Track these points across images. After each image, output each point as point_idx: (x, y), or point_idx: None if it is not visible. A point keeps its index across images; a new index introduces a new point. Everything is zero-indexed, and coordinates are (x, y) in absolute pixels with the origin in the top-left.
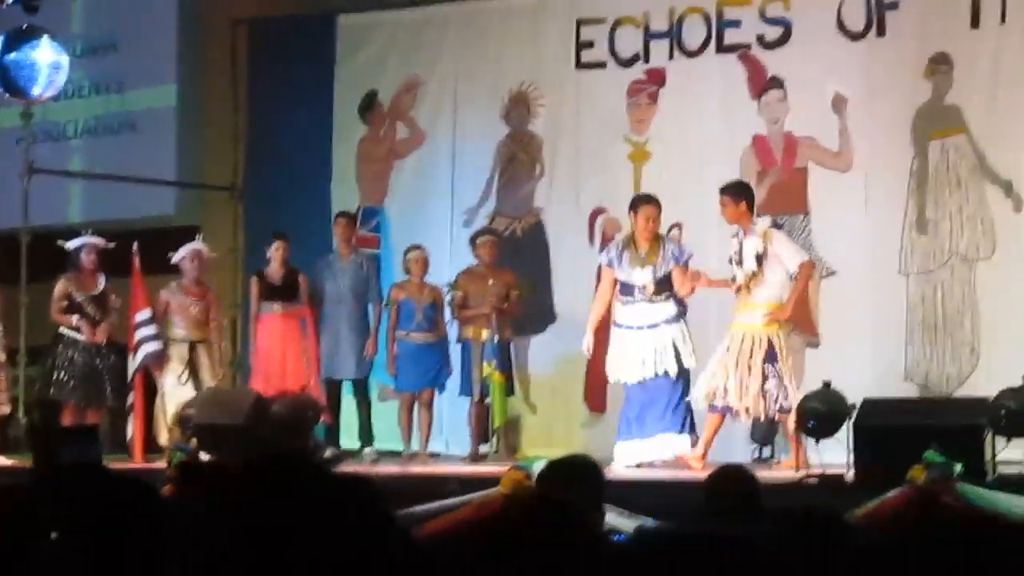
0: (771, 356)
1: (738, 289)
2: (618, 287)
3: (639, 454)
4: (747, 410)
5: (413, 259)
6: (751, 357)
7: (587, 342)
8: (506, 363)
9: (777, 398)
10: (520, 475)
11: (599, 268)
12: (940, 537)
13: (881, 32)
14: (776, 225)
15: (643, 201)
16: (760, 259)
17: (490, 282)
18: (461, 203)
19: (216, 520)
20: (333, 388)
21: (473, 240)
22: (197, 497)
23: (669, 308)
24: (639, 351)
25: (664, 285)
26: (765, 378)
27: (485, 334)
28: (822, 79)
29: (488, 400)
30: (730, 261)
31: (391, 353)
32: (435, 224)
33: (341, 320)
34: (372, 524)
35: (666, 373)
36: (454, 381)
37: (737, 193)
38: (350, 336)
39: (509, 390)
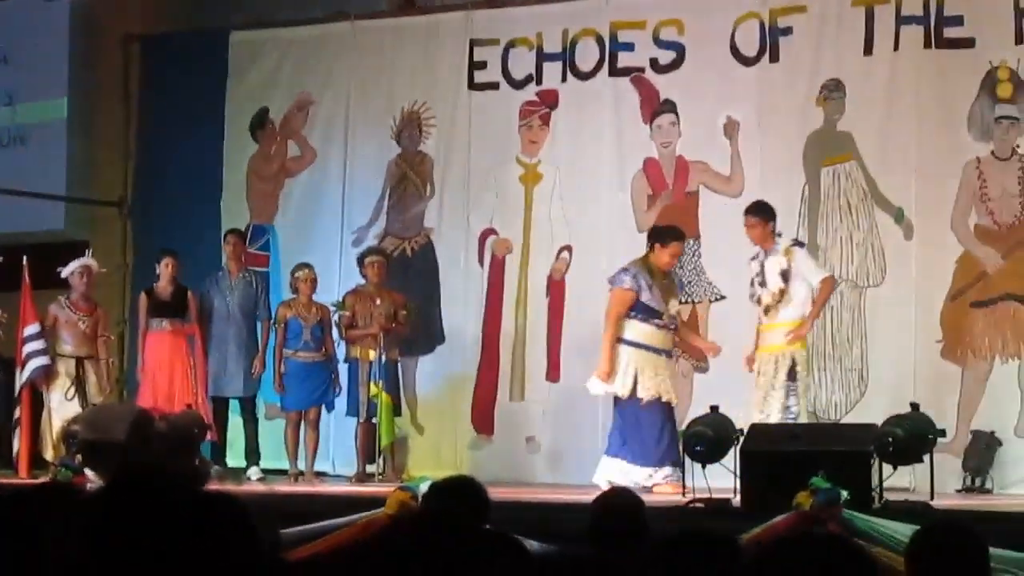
0: (792, 373)
1: (766, 310)
2: (639, 311)
3: (626, 475)
4: None
5: (301, 278)
6: (775, 376)
7: (607, 364)
8: (393, 384)
9: (797, 416)
10: (406, 496)
11: (614, 290)
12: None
13: (774, 58)
14: (798, 243)
15: (674, 237)
16: (785, 276)
17: (378, 302)
18: (351, 222)
19: (73, 539)
20: (220, 406)
21: (361, 260)
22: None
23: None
24: (669, 376)
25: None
26: (788, 395)
27: (372, 354)
28: (714, 104)
29: (375, 420)
30: (752, 283)
31: (278, 371)
32: (324, 243)
33: (229, 338)
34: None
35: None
36: (342, 400)
37: (764, 214)
38: (238, 354)
39: (396, 411)
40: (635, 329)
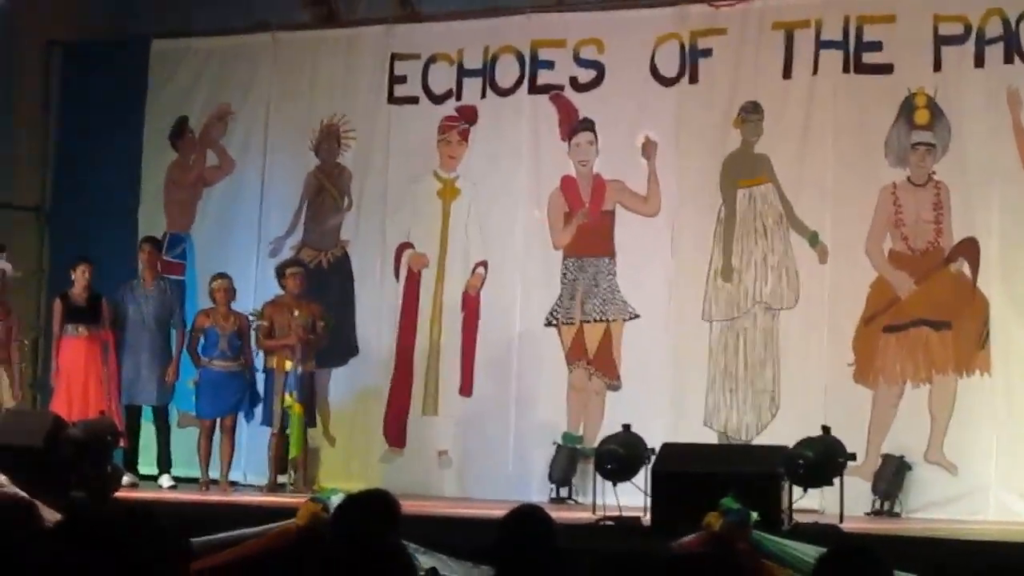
0: None
1: None
2: None
3: None
4: None
5: (218, 287)
6: None
7: None
8: (307, 394)
9: None
10: (317, 507)
11: None
12: None
13: (693, 79)
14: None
15: None
16: None
17: (296, 313)
18: (268, 233)
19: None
20: (133, 413)
21: (281, 271)
22: None
23: None
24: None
25: None
26: None
27: (288, 364)
28: (633, 123)
29: (287, 430)
30: None
31: (192, 380)
32: (241, 253)
33: (143, 346)
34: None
35: None
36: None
37: None
38: (151, 362)
39: (310, 422)
40: None
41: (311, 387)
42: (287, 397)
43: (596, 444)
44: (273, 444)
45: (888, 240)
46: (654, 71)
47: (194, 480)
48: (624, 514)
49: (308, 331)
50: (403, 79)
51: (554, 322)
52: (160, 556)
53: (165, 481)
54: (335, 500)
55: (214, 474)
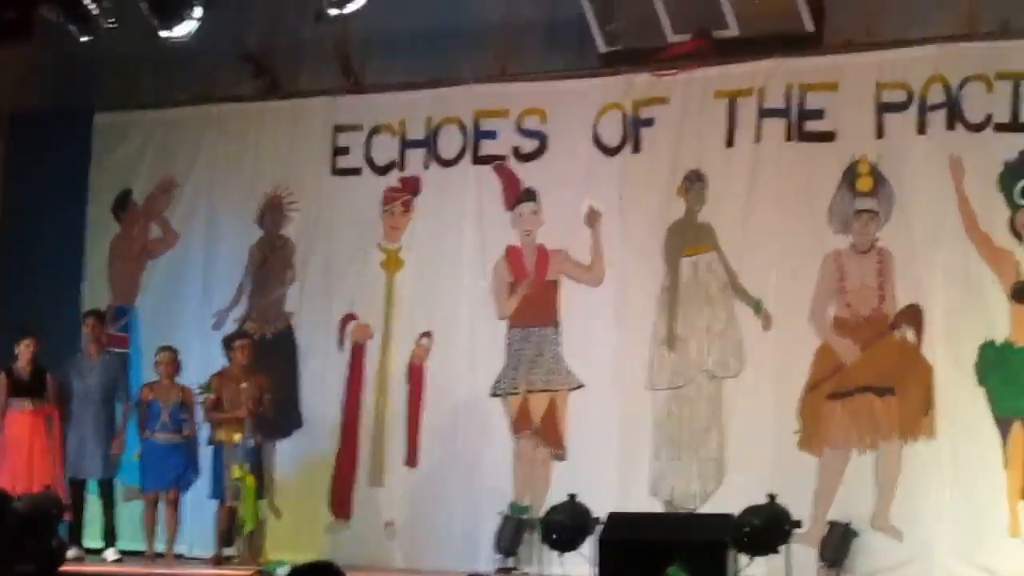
0: None
1: None
2: None
3: None
4: None
5: (162, 360)
6: None
7: None
8: (258, 466)
9: None
10: None
11: None
12: None
13: (636, 148)
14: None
15: None
16: None
17: (244, 385)
18: (212, 305)
19: None
20: (78, 487)
21: (228, 343)
22: None
23: None
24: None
25: None
26: None
27: (237, 437)
28: (576, 193)
29: (237, 503)
30: None
31: (136, 452)
32: (186, 325)
33: (88, 419)
34: None
35: None
36: (202, 482)
37: None
38: (96, 435)
39: (259, 493)
40: None
41: (260, 459)
42: (237, 469)
43: (542, 514)
44: (221, 516)
45: (832, 307)
46: (597, 140)
47: (140, 553)
48: None
49: (256, 403)
50: (346, 150)
51: (499, 392)
52: None
53: (111, 555)
54: (281, 572)
55: (160, 547)
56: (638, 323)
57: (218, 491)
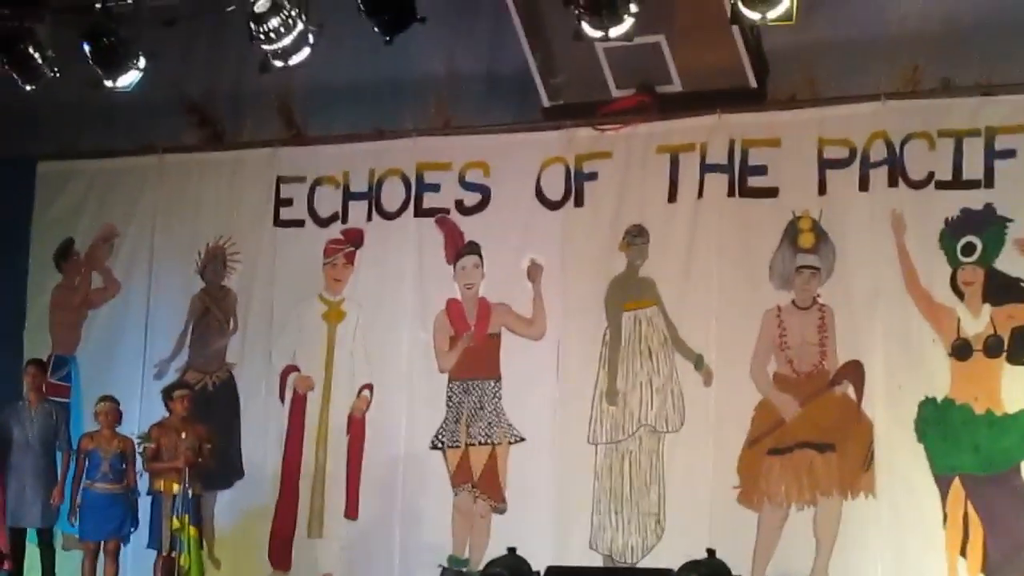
0: None
1: None
2: None
3: None
4: None
5: (102, 410)
6: None
7: None
8: (198, 517)
9: None
10: None
11: None
12: None
13: (579, 202)
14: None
15: None
16: None
17: (183, 435)
18: (153, 355)
19: None
20: (17, 536)
21: (168, 393)
22: None
23: None
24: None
25: None
26: None
27: (176, 487)
28: (518, 246)
29: (174, 554)
30: None
31: (74, 503)
32: (126, 375)
33: (28, 468)
34: None
35: None
36: (141, 533)
37: None
38: (36, 484)
39: (200, 544)
40: None
41: (199, 510)
42: (176, 520)
43: (481, 567)
44: (160, 567)
45: (773, 363)
46: (540, 194)
47: None
48: None
49: (195, 454)
50: (289, 202)
51: (439, 445)
52: None
53: None
54: None
55: None
56: (579, 377)
57: (156, 542)
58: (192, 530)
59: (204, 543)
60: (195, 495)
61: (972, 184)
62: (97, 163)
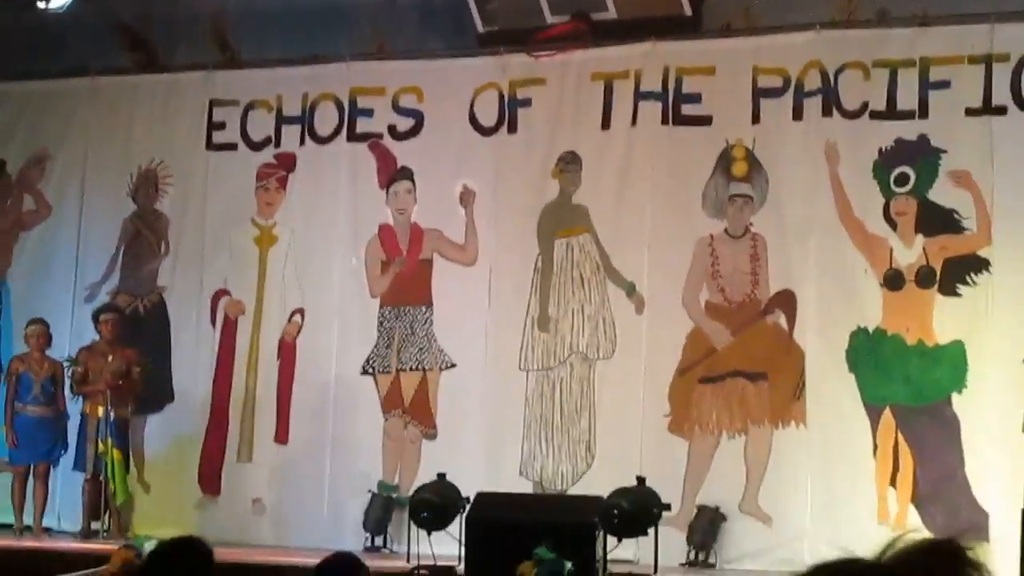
0: None
1: None
2: None
3: None
4: None
5: (33, 333)
6: None
7: None
8: (123, 440)
9: None
10: (130, 554)
11: None
12: None
13: (512, 129)
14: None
15: None
16: None
17: (110, 359)
18: (84, 278)
19: None
20: None
21: (96, 317)
22: None
23: None
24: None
25: None
26: None
27: (101, 410)
28: (451, 172)
29: (102, 477)
30: None
31: (10, 425)
32: (57, 298)
33: None
34: None
35: None
36: (69, 456)
37: None
38: None
39: (125, 467)
40: None
41: (126, 433)
42: (101, 443)
43: (411, 493)
44: (87, 490)
45: (705, 291)
46: (473, 120)
47: (7, 526)
48: (439, 563)
49: (119, 377)
50: (222, 125)
51: (370, 370)
52: None
53: None
54: (148, 547)
55: (28, 520)
56: (511, 304)
57: (81, 464)
58: (116, 453)
59: (133, 467)
60: (121, 418)
61: (906, 115)
62: (29, 85)
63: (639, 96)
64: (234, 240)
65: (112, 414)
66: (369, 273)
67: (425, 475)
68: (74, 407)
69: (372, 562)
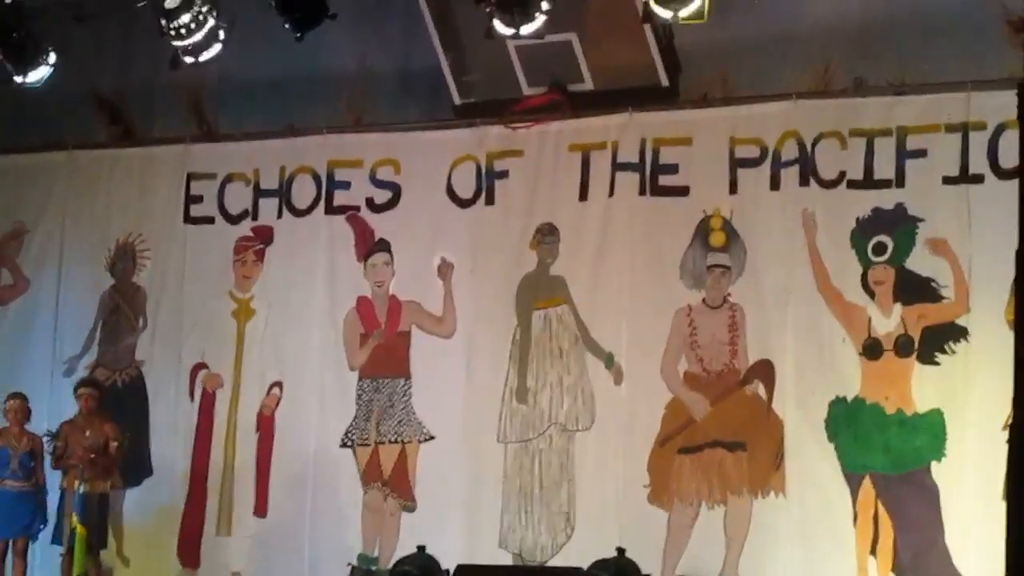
0: None
1: None
2: None
3: None
4: None
5: (11, 408)
6: None
7: None
8: (93, 515)
9: None
10: None
11: None
12: None
13: (490, 200)
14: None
15: None
16: None
17: (87, 433)
18: (62, 352)
19: None
20: None
21: (75, 390)
22: None
23: None
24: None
25: None
26: None
27: (76, 484)
28: (429, 244)
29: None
30: None
31: None
32: (36, 372)
33: None
34: None
35: None
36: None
37: None
38: None
39: (99, 543)
40: None
41: (99, 508)
42: (74, 517)
43: (391, 565)
44: (63, 564)
45: (683, 362)
46: (451, 192)
47: None
48: None
49: (94, 451)
50: (199, 199)
51: (349, 443)
52: None
53: None
54: None
55: None
56: (489, 375)
57: (58, 538)
58: (80, 529)
59: (112, 540)
60: (92, 493)
61: (883, 184)
62: (6, 159)
63: (616, 167)
64: (212, 313)
65: (85, 488)
66: (347, 346)
67: (405, 547)
68: (54, 481)
69: None
